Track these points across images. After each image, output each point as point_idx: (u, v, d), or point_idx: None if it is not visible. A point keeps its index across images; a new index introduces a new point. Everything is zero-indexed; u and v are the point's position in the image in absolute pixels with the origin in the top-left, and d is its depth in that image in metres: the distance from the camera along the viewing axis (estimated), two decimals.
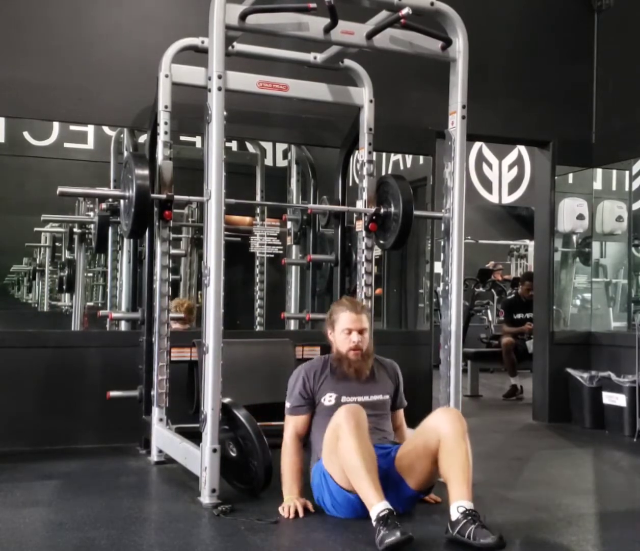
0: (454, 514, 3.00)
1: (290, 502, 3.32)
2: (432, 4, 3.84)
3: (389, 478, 3.27)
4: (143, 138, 5.24)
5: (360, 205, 4.75)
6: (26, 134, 6.78)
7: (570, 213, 6.48)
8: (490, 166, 9.80)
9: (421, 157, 6.48)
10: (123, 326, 5.76)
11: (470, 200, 7.10)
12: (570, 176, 6.73)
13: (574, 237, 6.88)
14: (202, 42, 4.36)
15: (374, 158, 4.78)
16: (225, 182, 3.55)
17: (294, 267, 6.72)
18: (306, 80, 4.72)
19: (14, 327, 6.86)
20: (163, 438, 4.29)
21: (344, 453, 3.10)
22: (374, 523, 2.93)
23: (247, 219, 6.69)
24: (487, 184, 9.82)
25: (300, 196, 6.75)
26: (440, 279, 4.16)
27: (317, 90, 4.72)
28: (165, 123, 4.34)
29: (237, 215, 6.66)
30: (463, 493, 3.03)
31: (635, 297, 6.66)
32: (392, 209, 4.60)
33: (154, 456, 4.36)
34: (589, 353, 6.25)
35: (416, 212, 4.61)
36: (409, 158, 7.22)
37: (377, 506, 2.95)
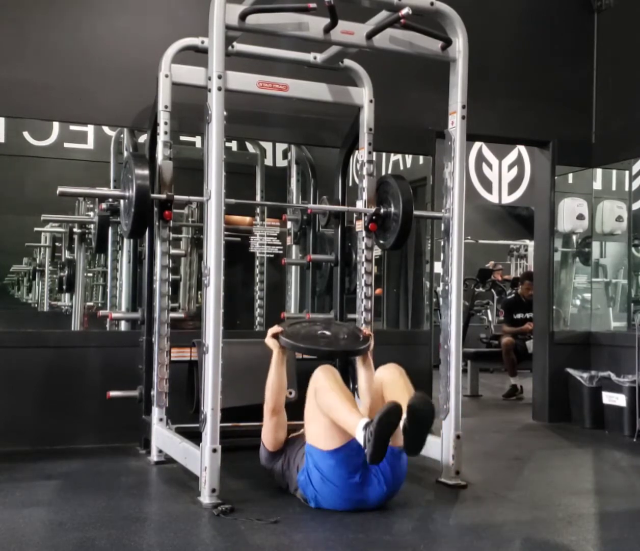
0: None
1: None
2: (432, 4, 3.84)
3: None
4: (143, 138, 5.24)
5: (360, 205, 4.75)
6: (26, 134, 6.77)
7: (570, 213, 6.48)
8: (490, 166, 9.78)
9: (421, 157, 6.48)
10: (123, 326, 5.77)
11: (470, 200, 7.09)
12: (570, 176, 6.73)
13: (574, 237, 6.89)
14: (202, 42, 4.37)
15: (374, 158, 4.78)
16: (225, 182, 3.55)
17: (294, 267, 6.72)
18: (306, 80, 4.72)
19: (14, 327, 6.86)
20: (163, 438, 4.29)
21: (323, 395, 3.29)
22: (362, 433, 3.10)
23: (247, 219, 6.68)
24: (487, 184, 9.80)
25: (300, 196, 6.74)
26: (440, 279, 4.16)
27: (317, 90, 4.73)
28: (165, 123, 4.34)
29: (237, 215, 6.66)
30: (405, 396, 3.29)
31: (635, 297, 6.66)
32: (392, 209, 4.60)
33: (154, 456, 4.36)
34: (589, 353, 6.24)
35: (416, 212, 4.63)
36: (409, 158, 7.22)
37: (360, 421, 3.13)
